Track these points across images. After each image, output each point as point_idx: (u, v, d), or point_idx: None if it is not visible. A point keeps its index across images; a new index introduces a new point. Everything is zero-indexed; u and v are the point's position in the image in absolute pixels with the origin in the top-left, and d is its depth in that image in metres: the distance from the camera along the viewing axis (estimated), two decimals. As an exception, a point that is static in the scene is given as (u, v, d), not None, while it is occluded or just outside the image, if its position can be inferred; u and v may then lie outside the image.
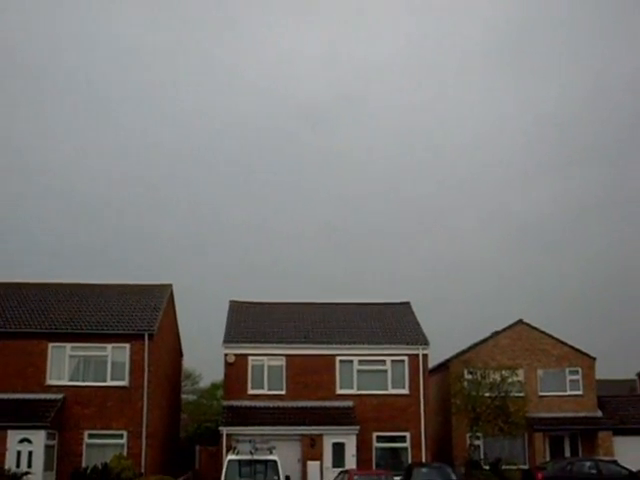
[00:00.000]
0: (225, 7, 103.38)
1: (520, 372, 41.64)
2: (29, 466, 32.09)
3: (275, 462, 30.06)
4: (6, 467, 31.63)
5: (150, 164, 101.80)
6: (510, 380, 39.98)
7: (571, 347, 43.53)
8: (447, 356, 44.79)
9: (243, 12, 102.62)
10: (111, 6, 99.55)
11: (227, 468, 30.17)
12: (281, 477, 30.20)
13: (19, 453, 32.45)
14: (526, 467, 39.96)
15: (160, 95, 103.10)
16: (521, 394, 40.83)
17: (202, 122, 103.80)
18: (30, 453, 32.52)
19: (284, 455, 32.16)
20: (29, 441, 32.61)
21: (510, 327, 44.02)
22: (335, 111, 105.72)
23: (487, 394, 39.43)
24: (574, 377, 42.97)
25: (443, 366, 44.47)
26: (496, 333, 44.31)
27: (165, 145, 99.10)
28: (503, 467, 38.79)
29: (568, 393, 42.77)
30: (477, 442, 40.52)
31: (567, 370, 43.05)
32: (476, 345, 44.05)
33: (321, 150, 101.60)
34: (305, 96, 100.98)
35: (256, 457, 29.86)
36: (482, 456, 40.56)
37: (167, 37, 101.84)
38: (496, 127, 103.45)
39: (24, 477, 30.51)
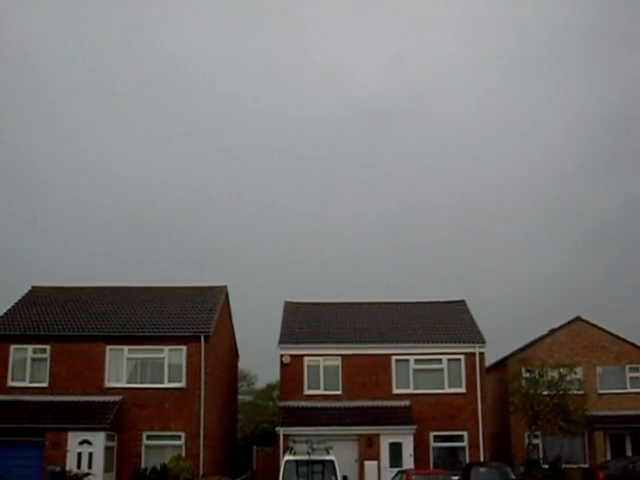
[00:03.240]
0: (286, 5, 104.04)
1: (579, 370, 40.93)
2: (89, 467, 32.51)
3: (332, 462, 30.05)
4: (67, 468, 32.09)
5: (202, 166, 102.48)
6: (568, 378, 39.36)
7: (631, 344, 42.76)
8: (504, 354, 44.38)
9: (305, 10, 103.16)
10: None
11: (284, 468, 30.23)
12: (338, 477, 30.15)
13: (80, 454, 32.86)
14: (586, 466, 39.43)
15: (226, 97, 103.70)
16: (580, 392, 40.21)
17: (265, 122, 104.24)
18: (90, 454, 32.92)
19: (341, 455, 32.15)
20: (89, 443, 33.02)
21: (568, 324, 43.46)
22: (399, 109, 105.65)
23: (545, 392, 38.90)
24: (635, 374, 42.18)
25: (500, 364, 44.06)
26: (553, 330, 43.79)
27: (218, 146, 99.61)
28: (563, 466, 38.25)
29: (628, 390, 42.01)
30: (536, 441, 40.04)
31: (627, 367, 42.28)
32: (533, 343, 43.58)
33: (383, 149, 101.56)
34: (369, 95, 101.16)
35: (313, 457, 29.86)
36: (541, 455, 40.06)
37: (230, 37, 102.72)
38: (559, 123, 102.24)
39: (85, 478, 30.86)
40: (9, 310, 38.28)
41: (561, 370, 39.32)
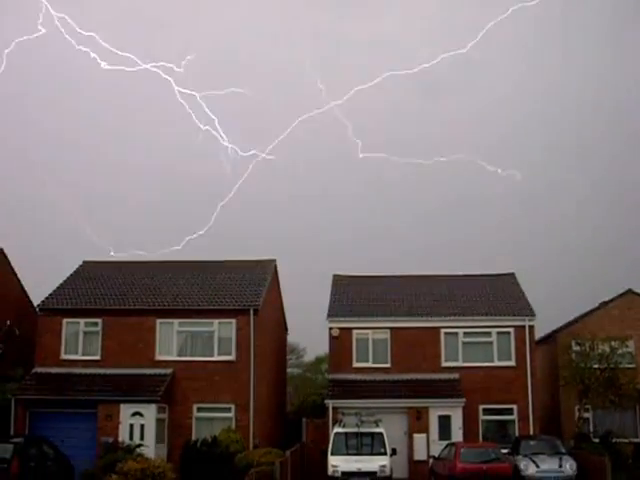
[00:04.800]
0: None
1: (630, 343, 40.51)
2: (141, 438, 32.97)
3: (381, 434, 30.25)
4: (120, 439, 32.62)
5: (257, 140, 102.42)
6: (620, 351, 38.93)
7: (685, 316, 42.20)
8: (554, 327, 44.06)
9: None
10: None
11: (334, 440, 30.50)
12: (387, 449, 30.35)
13: (132, 426, 33.37)
14: (637, 441, 39.06)
15: (279, 72, 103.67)
16: (632, 365, 39.83)
17: (314, 92, 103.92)
18: (142, 426, 33.41)
19: (390, 428, 32.33)
20: (141, 414, 33.51)
21: (619, 297, 42.93)
22: (448, 76, 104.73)
23: (596, 366, 38.54)
24: (687, 347, 41.65)
25: (550, 338, 43.76)
26: (604, 303, 43.30)
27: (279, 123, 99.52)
28: (613, 440, 37.91)
29: (681, 364, 41.51)
30: (586, 415, 39.74)
31: (680, 340, 41.76)
32: (584, 316, 43.16)
33: (436, 118, 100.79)
34: (418, 62, 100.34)
35: (362, 430, 30.09)
36: (591, 429, 39.78)
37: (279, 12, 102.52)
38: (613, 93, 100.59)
39: (137, 449, 31.32)
40: (61, 285, 38.82)
41: (612, 343, 38.88)
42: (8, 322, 37.56)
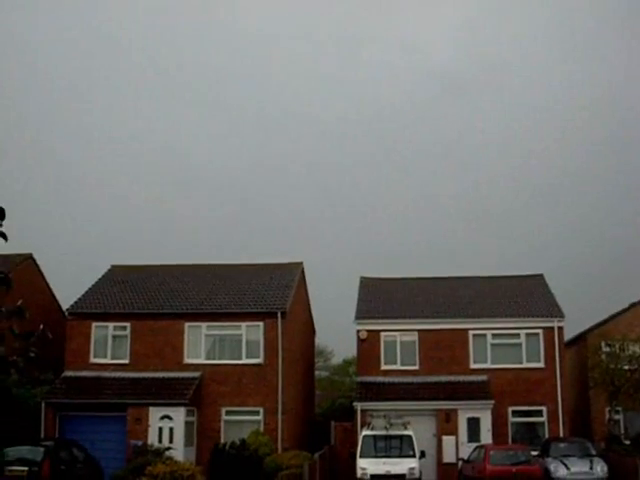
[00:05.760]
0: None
1: (661, 344, 40.17)
2: (170, 442, 33.06)
3: (410, 437, 30.15)
4: (149, 442, 32.72)
5: (279, 139, 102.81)
6: (650, 352, 38.65)
7: None
8: (583, 328, 43.71)
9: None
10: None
11: (362, 443, 30.45)
12: (416, 452, 30.25)
13: (160, 429, 33.47)
14: (670, 442, 38.70)
15: (303, 71, 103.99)
16: (663, 367, 39.48)
17: (341, 94, 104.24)
18: (171, 429, 33.50)
19: (419, 430, 32.25)
20: (169, 418, 33.60)
21: (650, 297, 42.61)
22: (474, 81, 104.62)
23: (626, 367, 38.22)
24: None
25: (579, 339, 43.42)
26: (634, 304, 42.89)
27: (294, 120, 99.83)
28: (645, 442, 37.61)
29: None
30: (617, 416, 39.40)
31: None
32: (614, 317, 42.74)
33: (459, 122, 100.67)
34: (444, 64, 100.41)
35: (391, 432, 30.00)
36: (622, 431, 39.45)
37: (305, 13, 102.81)
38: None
39: (166, 452, 31.42)
40: (90, 289, 39.04)
41: (643, 344, 38.57)
42: (41, 326, 37.72)
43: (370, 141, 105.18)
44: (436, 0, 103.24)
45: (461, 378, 37.48)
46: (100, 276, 40.66)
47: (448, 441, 35.61)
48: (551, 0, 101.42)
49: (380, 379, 37.73)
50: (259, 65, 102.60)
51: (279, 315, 36.14)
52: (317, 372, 58.68)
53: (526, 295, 40.69)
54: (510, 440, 36.35)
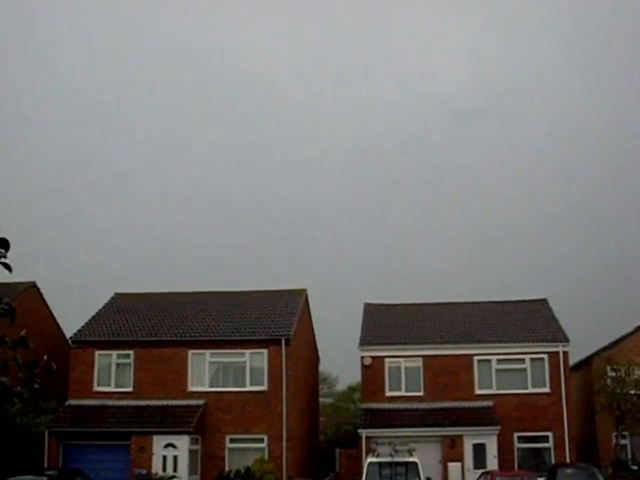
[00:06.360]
0: (365, 1, 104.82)
1: (667, 368, 39.99)
2: (175, 470, 32.94)
3: (415, 464, 29.87)
4: (153, 471, 32.57)
5: (280, 171, 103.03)
6: (657, 376, 38.48)
7: None
8: (588, 353, 43.56)
9: (381, 7, 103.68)
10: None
11: (367, 470, 30.16)
12: (422, 479, 29.99)
13: (165, 458, 33.33)
14: (677, 467, 38.44)
15: (304, 100, 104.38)
16: (669, 391, 39.28)
17: (345, 122, 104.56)
18: (175, 457, 33.36)
19: (424, 457, 31.99)
20: (174, 446, 33.45)
21: (655, 321, 42.49)
22: (479, 108, 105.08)
23: (632, 391, 38.07)
24: None
25: (585, 363, 43.26)
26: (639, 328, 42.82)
27: (295, 152, 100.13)
28: (652, 467, 37.39)
29: None
30: (623, 441, 39.20)
31: None
32: (619, 341, 42.62)
33: (465, 147, 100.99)
34: (449, 89, 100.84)
35: (396, 459, 29.73)
36: (629, 456, 39.21)
37: (308, 40, 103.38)
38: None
39: (171, 480, 31.28)
40: (93, 317, 39.00)
41: (648, 368, 38.42)
42: (45, 357, 37.65)
43: (373, 167, 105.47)
44: (440, 27, 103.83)
45: (466, 404, 37.31)
46: (104, 304, 40.63)
47: (454, 468, 35.38)
48: (557, 26, 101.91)
49: (385, 405, 37.57)
50: (255, 95, 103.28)
51: (283, 342, 36.04)
52: (321, 399, 58.46)
53: (530, 320, 40.58)
54: (516, 466, 36.13)
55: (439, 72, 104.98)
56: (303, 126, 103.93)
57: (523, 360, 37.92)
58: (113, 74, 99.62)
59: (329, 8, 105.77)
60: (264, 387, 35.80)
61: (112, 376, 36.47)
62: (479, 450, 35.51)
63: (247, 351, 36.29)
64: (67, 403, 35.83)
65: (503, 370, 37.97)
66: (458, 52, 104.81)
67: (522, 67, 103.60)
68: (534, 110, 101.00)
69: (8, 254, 7.65)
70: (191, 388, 36.03)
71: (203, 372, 36.41)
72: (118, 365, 36.62)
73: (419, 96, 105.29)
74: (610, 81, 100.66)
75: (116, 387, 36.24)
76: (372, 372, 38.21)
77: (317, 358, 47.19)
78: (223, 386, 36.31)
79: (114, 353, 36.66)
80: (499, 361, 37.99)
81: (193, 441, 34.20)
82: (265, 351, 36.17)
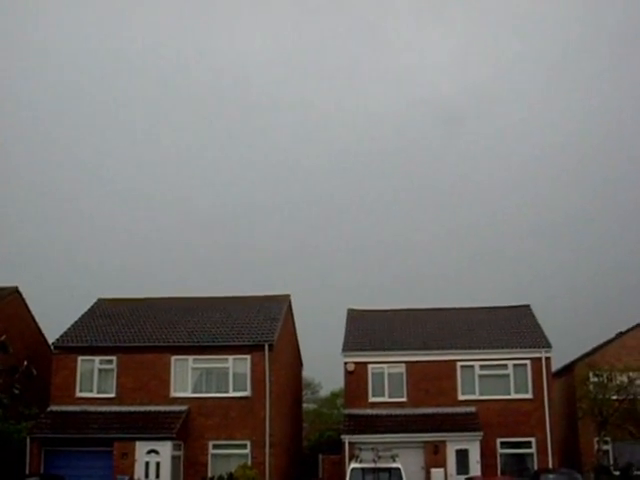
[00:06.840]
0: (353, 9, 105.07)
1: (648, 373, 40.15)
2: (157, 476, 32.83)
3: (399, 470, 29.83)
4: (135, 477, 32.44)
5: (268, 177, 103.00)
6: (638, 382, 38.65)
7: (702, 346, 41.78)
8: (571, 359, 43.72)
9: (372, 13, 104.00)
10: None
11: (351, 476, 30.10)
12: (405, 485, 29.98)
13: (147, 464, 33.17)
14: (659, 473, 38.61)
15: (297, 105, 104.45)
16: (651, 396, 39.45)
17: (332, 129, 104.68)
18: (158, 464, 33.19)
19: (407, 462, 31.93)
20: (156, 452, 33.30)
21: (636, 327, 42.64)
22: (469, 115, 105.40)
23: (614, 397, 38.26)
24: None
25: (567, 369, 43.43)
26: (621, 334, 42.98)
27: (284, 156, 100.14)
28: (635, 473, 37.49)
29: (701, 394, 40.99)
30: (605, 447, 39.34)
31: (699, 370, 41.28)
32: (601, 347, 42.83)
33: (453, 151, 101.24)
34: (437, 94, 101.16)
35: (379, 465, 29.69)
36: (611, 461, 39.34)
37: (300, 45, 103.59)
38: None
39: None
40: (76, 322, 38.82)
41: (630, 374, 38.64)
42: (25, 362, 37.51)
43: (358, 174, 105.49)
44: (430, 33, 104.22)
45: (449, 410, 37.34)
46: (86, 309, 40.47)
47: (437, 473, 35.37)
48: (549, 31, 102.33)
49: (368, 411, 37.56)
50: (249, 100, 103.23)
51: (266, 348, 35.97)
52: (305, 405, 58.40)
53: (513, 326, 40.69)
54: (499, 472, 36.20)
55: (429, 77, 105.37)
56: (292, 130, 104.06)
57: (506, 366, 37.99)
58: (113, 74, 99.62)
59: (313, 18, 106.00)
60: (247, 393, 35.72)
61: (94, 382, 36.27)
62: (462, 456, 35.54)
63: (230, 357, 36.20)
64: (49, 409, 35.60)
65: (486, 376, 38.02)
66: (446, 56, 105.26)
67: (522, 72, 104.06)
68: (533, 118, 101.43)
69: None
70: (174, 394, 35.89)
71: (186, 378, 36.28)
72: (100, 371, 36.43)
73: (407, 101, 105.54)
74: (612, 88, 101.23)
75: (98, 393, 36.04)
76: (355, 378, 38.20)
77: (300, 364, 47.15)
78: (206, 392, 36.19)
79: (96, 359, 36.48)
80: (482, 367, 38.04)
81: (176, 447, 34.07)
82: (248, 357, 36.10)
